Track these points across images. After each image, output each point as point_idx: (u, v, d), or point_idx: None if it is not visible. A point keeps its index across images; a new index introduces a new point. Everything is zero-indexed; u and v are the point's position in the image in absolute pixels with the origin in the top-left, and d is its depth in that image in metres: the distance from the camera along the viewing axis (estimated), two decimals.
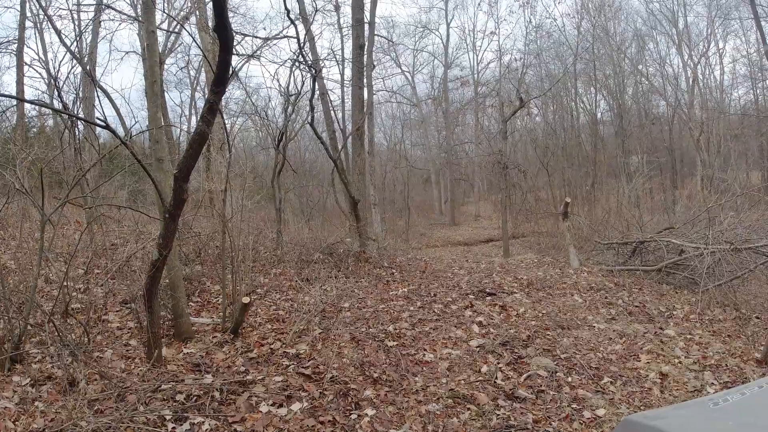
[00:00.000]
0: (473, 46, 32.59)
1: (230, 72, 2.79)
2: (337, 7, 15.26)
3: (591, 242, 9.21)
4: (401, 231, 19.28)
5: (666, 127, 23.79)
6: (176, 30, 12.23)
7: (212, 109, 2.90)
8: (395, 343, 3.70)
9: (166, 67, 14.59)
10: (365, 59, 10.86)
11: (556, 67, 21.81)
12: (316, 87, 8.13)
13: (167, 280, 4.13)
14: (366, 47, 11.12)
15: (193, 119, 19.76)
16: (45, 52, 12.26)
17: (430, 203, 31.15)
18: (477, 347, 3.64)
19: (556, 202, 16.01)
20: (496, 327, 4.14)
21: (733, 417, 1.06)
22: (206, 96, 2.93)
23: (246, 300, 3.73)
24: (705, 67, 23.35)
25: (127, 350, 4.18)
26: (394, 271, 6.58)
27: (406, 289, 5.16)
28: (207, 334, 4.18)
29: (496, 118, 26.98)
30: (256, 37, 9.85)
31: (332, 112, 11.59)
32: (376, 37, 15.18)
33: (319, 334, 3.86)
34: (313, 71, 6.19)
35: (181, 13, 12.02)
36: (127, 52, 21.70)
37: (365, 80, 10.80)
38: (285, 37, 6.41)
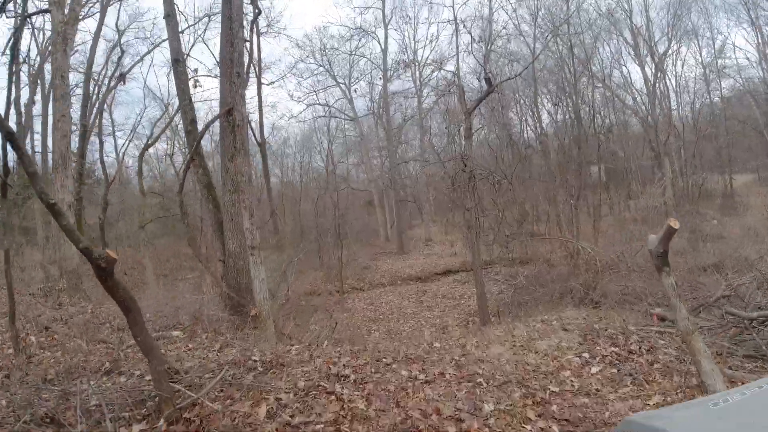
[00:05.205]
0: (414, 56, 29.47)
1: None
2: None
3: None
4: (335, 270, 14.64)
5: (629, 132, 21.58)
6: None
7: None
8: None
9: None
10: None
11: (514, 66, 18.87)
12: None
13: None
14: None
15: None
16: None
17: (374, 229, 26.95)
18: None
19: (534, 219, 12.45)
20: None
21: (734, 417, 1.03)
22: None
23: None
24: (662, 71, 21.66)
25: None
26: None
27: None
28: None
29: (443, 133, 23.64)
30: None
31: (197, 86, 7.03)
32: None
33: None
34: None
35: None
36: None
37: (242, 33, 6.37)
38: None
